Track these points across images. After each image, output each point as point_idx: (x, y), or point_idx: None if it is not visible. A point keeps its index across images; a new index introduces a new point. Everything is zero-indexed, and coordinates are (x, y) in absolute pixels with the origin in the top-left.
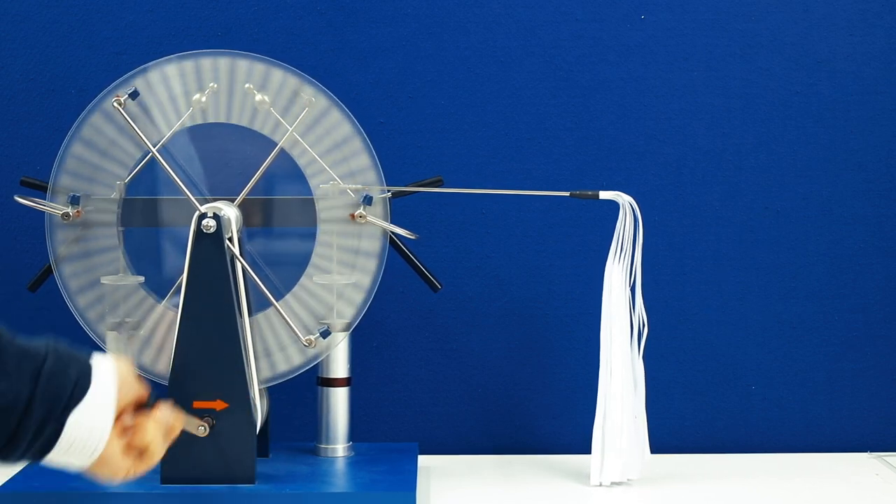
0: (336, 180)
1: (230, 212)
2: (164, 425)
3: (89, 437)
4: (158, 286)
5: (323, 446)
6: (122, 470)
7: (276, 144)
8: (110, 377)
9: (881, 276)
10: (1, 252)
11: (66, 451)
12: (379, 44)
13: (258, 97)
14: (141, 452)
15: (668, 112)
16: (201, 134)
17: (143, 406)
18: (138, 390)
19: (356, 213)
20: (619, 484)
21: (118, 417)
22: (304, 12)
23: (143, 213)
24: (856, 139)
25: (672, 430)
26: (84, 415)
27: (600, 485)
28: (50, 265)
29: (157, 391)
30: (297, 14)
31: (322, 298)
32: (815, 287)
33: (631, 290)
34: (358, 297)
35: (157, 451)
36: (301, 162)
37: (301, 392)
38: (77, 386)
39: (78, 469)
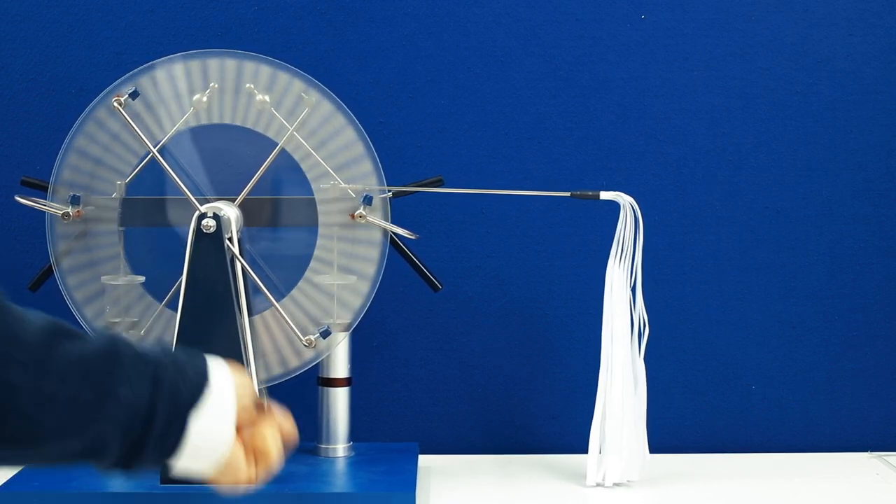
0: (337, 180)
1: (230, 212)
2: (279, 429)
3: (213, 440)
4: (158, 286)
5: (323, 446)
6: (243, 475)
7: (277, 144)
8: (227, 381)
9: (881, 276)
10: (1, 252)
11: (191, 456)
12: (379, 44)
13: (259, 97)
14: (259, 457)
15: (668, 112)
16: (202, 134)
17: (258, 410)
18: (253, 395)
19: (356, 213)
20: (618, 484)
21: (237, 422)
22: (304, 12)
23: (144, 212)
24: (856, 139)
25: (672, 430)
26: (207, 417)
27: (596, 485)
28: (50, 265)
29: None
30: (297, 14)
31: (322, 298)
32: (815, 287)
33: (632, 290)
34: (358, 297)
35: (276, 455)
36: (302, 162)
37: (301, 392)
38: (196, 389)
39: (201, 475)
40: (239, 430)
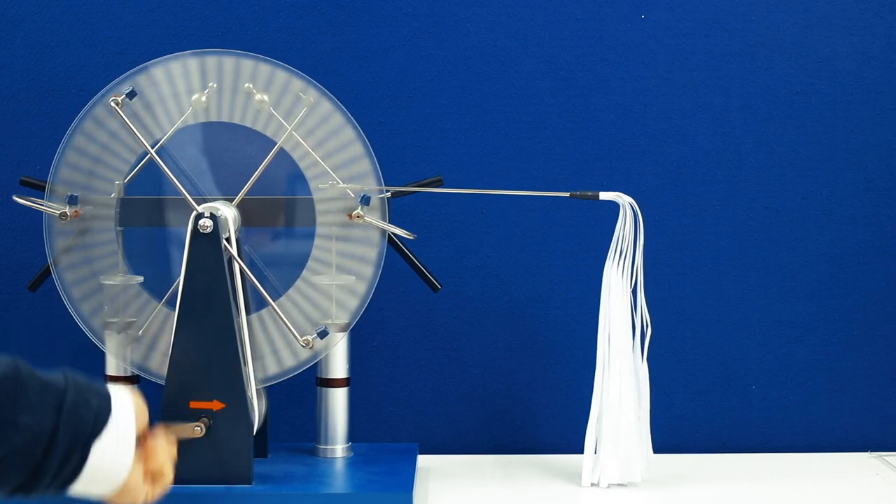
0: (336, 180)
1: (227, 212)
2: (168, 447)
3: (113, 467)
4: (157, 286)
5: (322, 447)
6: (141, 496)
7: (276, 144)
8: (128, 407)
9: (881, 276)
10: (1, 252)
11: (89, 482)
12: (379, 44)
13: (258, 97)
14: (154, 476)
15: (668, 112)
16: (200, 133)
17: (150, 433)
18: (146, 418)
19: (354, 213)
20: (617, 485)
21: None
22: (304, 12)
23: (142, 212)
24: (856, 139)
25: (672, 430)
26: (108, 444)
27: (591, 485)
28: (49, 265)
29: (155, 394)
30: (297, 14)
31: (320, 299)
32: (815, 287)
33: (633, 291)
34: (356, 297)
35: (169, 473)
36: (300, 162)
37: (300, 392)
38: (99, 416)
39: (99, 498)
40: (139, 451)
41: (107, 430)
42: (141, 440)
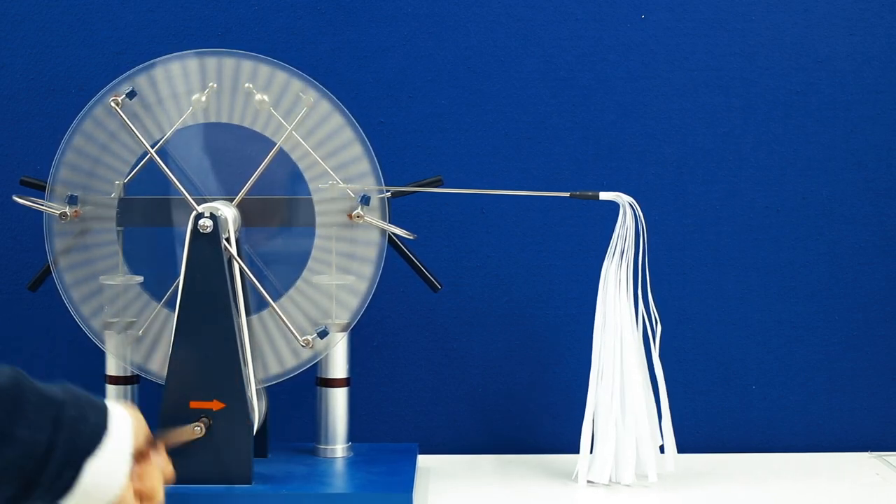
0: (336, 180)
1: (227, 212)
2: (163, 469)
3: (106, 484)
4: (156, 286)
5: (322, 447)
6: None
7: (276, 144)
8: (125, 424)
9: (881, 276)
10: (1, 252)
11: (82, 498)
12: (379, 44)
13: (258, 97)
14: (145, 497)
15: (668, 112)
16: (200, 133)
17: (145, 451)
18: (146, 435)
19: (354, 213)
20: (618, 485)
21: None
22: (304, 12)
23: (142, 212)
24: (856, 139)
25: (672, 430)
26: (102, 462)
27: (588, 483)
28: (49, 265)
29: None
30: (297, 14)
31: (320, 298)
32: (815, 287)
33: (635, 290)
34: (356, 297)
35: (160, 495)
36: (300, 162)
37: (300, 392)
38: (95, 433)
39: None
40: (133, 470)
41: (102, 447)
42: (136, 458)
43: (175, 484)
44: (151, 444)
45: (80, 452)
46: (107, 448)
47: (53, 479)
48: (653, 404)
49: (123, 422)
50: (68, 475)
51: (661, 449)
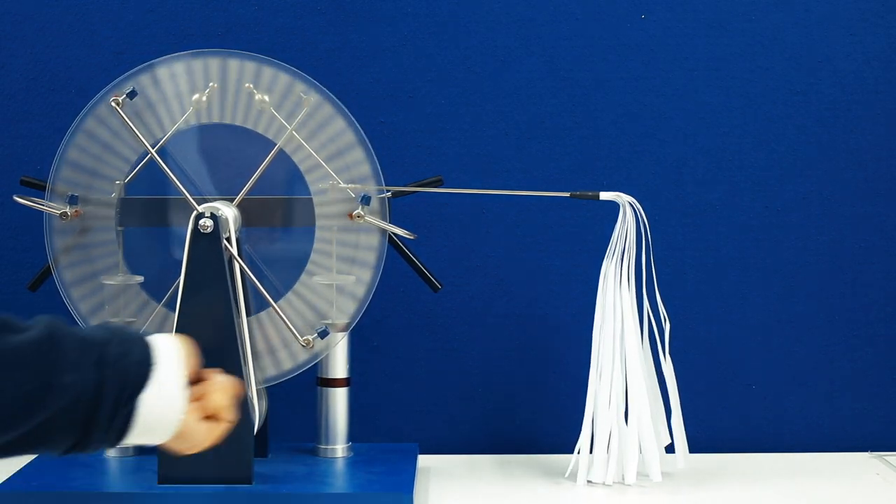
0: (336, 180)
1: (228, 212)
2: (226, 387)
3: (164, 414)
4: (157, 286)
5: (322, 447)
6: (200, 438)
7: (276, 144)
8: (174, 353)
9: (881, 276)
10: (1, 252)
11: (144, 432)
12: (379, 44)
13: (259, 97)
14: (212, 417)
15: (668, 112)
16: (201, 134)
17: (202, 375)
18: (196, 361)
19: (354, 213)
20: (619, 484)
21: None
22: (304, 12)
23: (142, 212)
24: (856, 139)
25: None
26: (155, 393)
27: (588, 483)
28: (49, 265)
29: None
30: (297, 14)
31: (320, 299)
32: (815, 287)
33: (639, 290)
34: (356, 297)
35: (228, 413)
36: (300, 162)
37: (301, 392)
38: (142, 366)
39: (158, 444)
40: (190, 395)
41: (152, 379)
42: (193, 383)
43: (175, 483)
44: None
45: (130, 388)
46: (157, 379)
47: (110, 419)
48: (658, 403)
49: (170, 350)
50: (124, 412)
51: (668, 448)
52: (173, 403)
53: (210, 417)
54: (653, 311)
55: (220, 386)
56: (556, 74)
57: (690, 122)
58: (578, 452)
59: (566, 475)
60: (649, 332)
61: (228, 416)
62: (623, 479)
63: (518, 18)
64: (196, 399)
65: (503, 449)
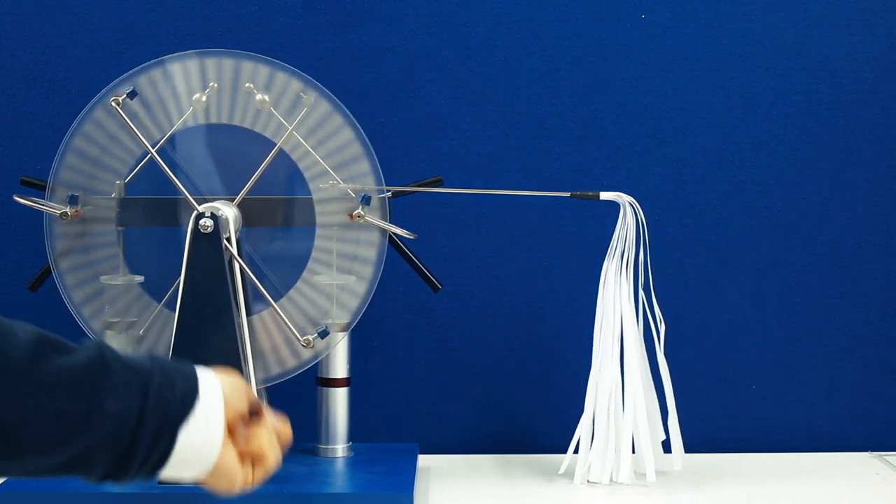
0: (336, 180)
1: (228, 212)
2: (274, 430)
3: (201, 450)
4: (157, 286)
5: (323, 447)
6: (238, 479)
7: (276, 144)
8: (216, 389)
9: (881, 276)
10: (1, 252)
11: (180, 466)
12: (379, 44)
13: (258, 97)
14: (256, 460)
15: (668, 112)
16: (201, 133)
17: (254, 414)
18: (249, 399)
19: (354, 213)
20: (618, 484)
21: (230, 427)
22: (304, 12)
23: (143, 212)
24: (856, 139)
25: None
26: (195, 428)
27: (588, 483)
28: (49, 265)
29: None
30: (297, 14)
31: (320, 299)
32: (815, 287)
33: (636, 290)
34: (356, 297)
35: (272, 457)
36: (300, 162)
37: (301, 392)
38: (186, 399)
39: (193, 482)
40: (233, 434)
41: (194, 413)
42: (241, 421)
43: (175, 483)
44: (257, 406)
45: (171, 419)
46: (198, 414)
47: (149, 450)
48: (654, 404)
49: (214, 386)
50: (163, 444)
51: (666, 448)
52: (211, 440)
53: (253, 458)
54: (651, 312)
55: (269, 429)
56: (556, 74)
57: (690, 122)
58: (576, 451)
59: (560, 471)
60: (649, 331)
61: (271, 460)
62: (622, 478)
63: (518, 18)
64: (241, 438)
65: (503, 449)
